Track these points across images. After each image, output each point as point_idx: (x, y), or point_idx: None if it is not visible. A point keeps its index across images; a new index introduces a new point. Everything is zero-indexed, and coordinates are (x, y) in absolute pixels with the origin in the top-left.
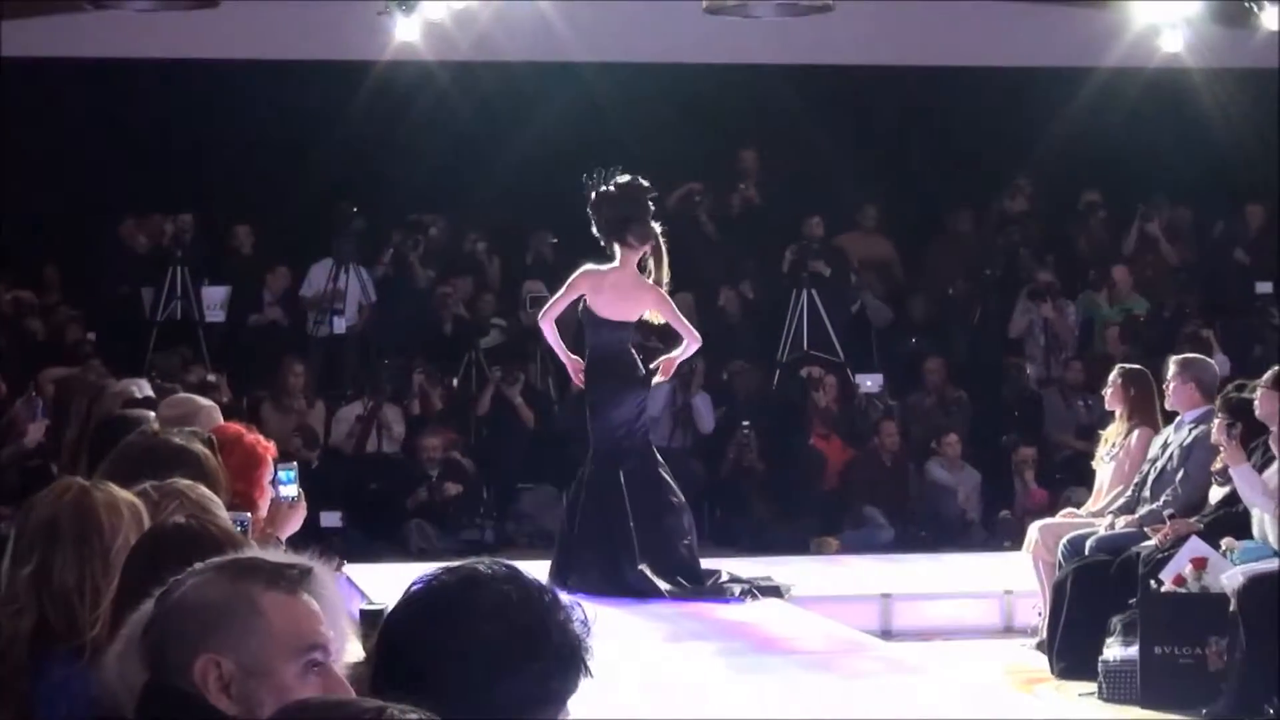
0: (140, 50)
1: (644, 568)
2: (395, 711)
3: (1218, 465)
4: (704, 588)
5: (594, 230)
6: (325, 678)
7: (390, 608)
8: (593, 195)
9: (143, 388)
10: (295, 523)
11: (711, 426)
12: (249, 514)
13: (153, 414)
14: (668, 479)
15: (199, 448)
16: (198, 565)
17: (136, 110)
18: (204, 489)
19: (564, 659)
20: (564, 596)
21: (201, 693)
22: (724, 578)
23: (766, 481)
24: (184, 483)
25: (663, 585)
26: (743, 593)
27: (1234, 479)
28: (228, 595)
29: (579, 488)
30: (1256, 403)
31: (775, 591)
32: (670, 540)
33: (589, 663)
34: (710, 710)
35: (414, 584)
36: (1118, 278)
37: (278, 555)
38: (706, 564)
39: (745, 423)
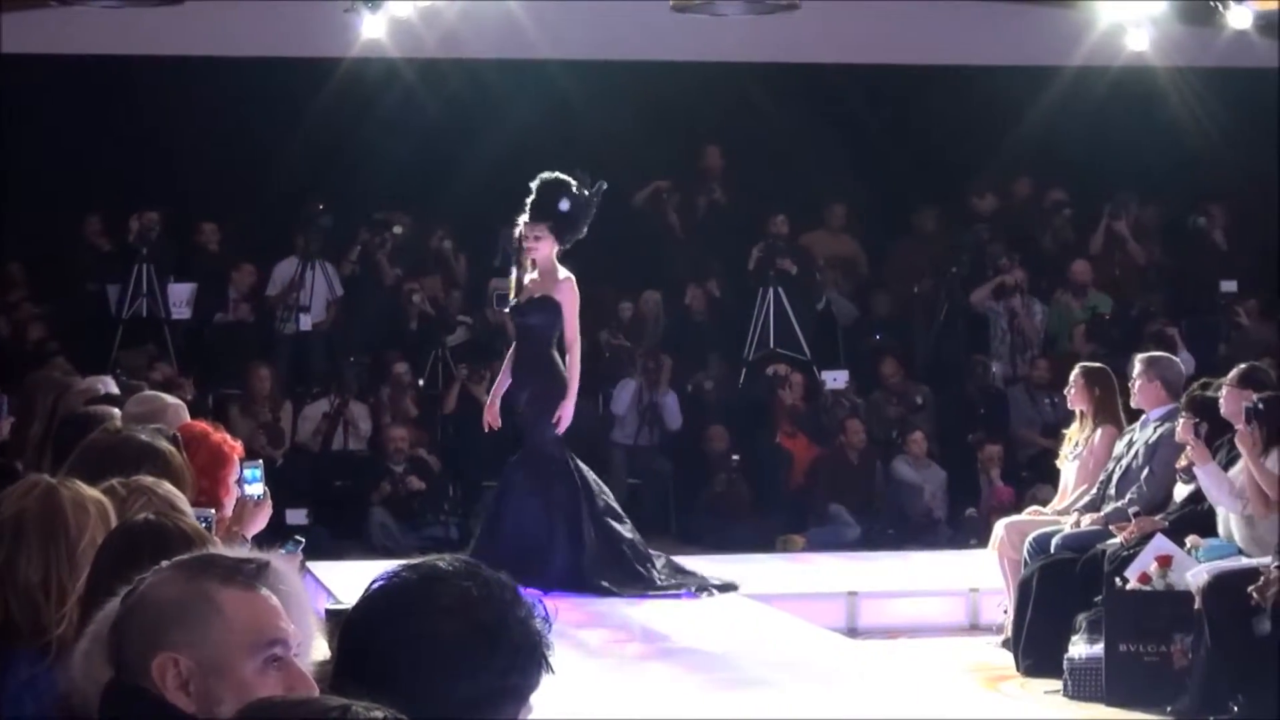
0: (106, 47)
1: (601, 565)
2: (360, 709)
3: (1182, 463)
4: (660, 585)
5: (569, 231)
6: (286, 673)
7: (352, 605)
8: (594, 198)
9: (108, 385)
10: (261, 521)
11: (679, 423)
12: (213, 510)
13: (117, 411)
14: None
15: (163, 445)
16: (161, 564)
17: (102, 107)
18: (169, 485)
19: (525, 655)
20: (525, 593)
21: (161, 691)
22: (661, 561)
23: (733, 479)
24: (149, 479)
25: (614, 582)
26: (699, 589)
27: (1200, 478)
28: (184, 592)
29: (545, 489)
30: (1221, 401)
31: (728, 587)
32: (616, 532)
33: (550, 659)
34: (674, 710)
35: (375, 580)
36: (1076, 271)
37: (238, 551)
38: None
39: (735, 456)
